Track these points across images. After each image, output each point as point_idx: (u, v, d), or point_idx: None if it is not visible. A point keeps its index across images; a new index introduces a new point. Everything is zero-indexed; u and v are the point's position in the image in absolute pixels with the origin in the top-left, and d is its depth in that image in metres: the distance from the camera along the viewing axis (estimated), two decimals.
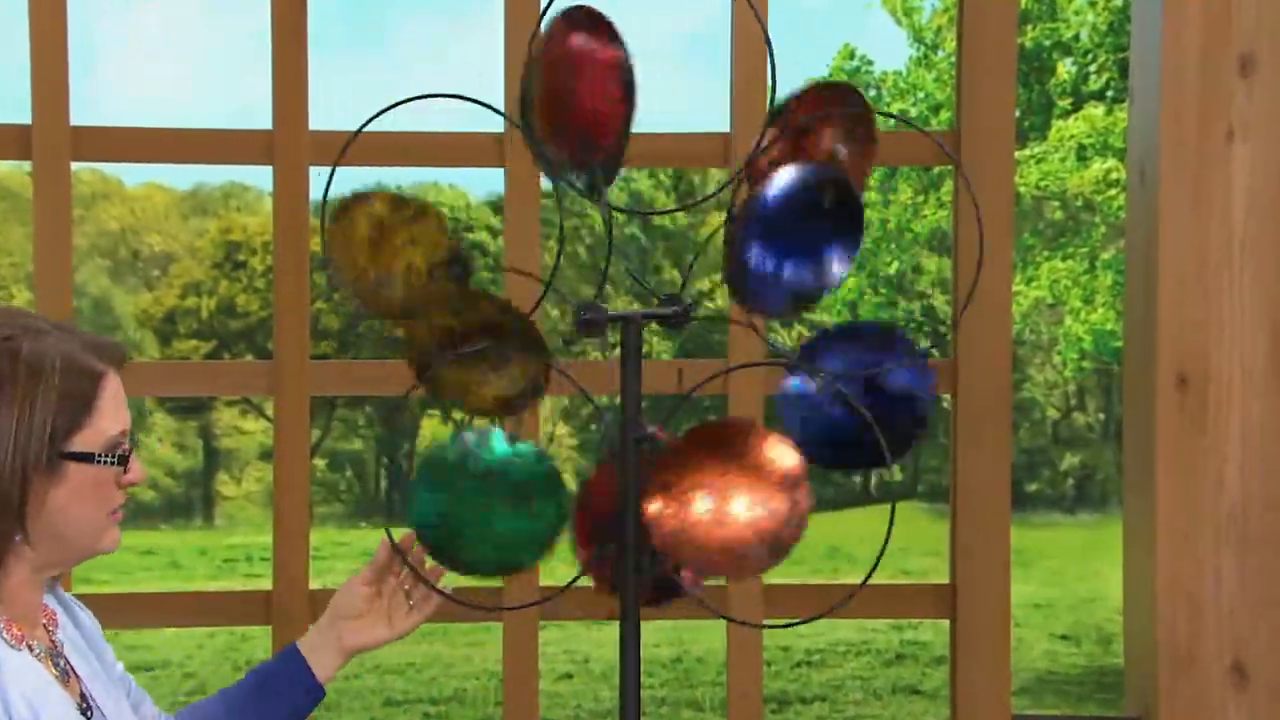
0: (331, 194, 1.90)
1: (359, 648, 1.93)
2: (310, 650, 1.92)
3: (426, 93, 1.83)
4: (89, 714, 1.71)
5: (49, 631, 1.75)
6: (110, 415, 1.69)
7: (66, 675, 1.72)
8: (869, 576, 1.84)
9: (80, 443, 1.67)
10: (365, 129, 1.83)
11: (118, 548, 1.76)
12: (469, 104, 1.85)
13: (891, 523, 1.78)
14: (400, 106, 1.84)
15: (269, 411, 4.85)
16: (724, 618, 2.00)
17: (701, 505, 1.71)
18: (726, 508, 1.71)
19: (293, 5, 2.66)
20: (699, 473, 1.71)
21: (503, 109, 2.69)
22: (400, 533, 1.91)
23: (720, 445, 1.72)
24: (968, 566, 2.71)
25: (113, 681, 1.83)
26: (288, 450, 2.68)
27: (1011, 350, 2.72)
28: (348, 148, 1.83)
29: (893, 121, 2.60)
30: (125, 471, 1.71)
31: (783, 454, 1.71)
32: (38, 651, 1.70)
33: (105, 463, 1.68)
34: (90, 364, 1.69)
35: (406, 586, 1.94)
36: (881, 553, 1.75)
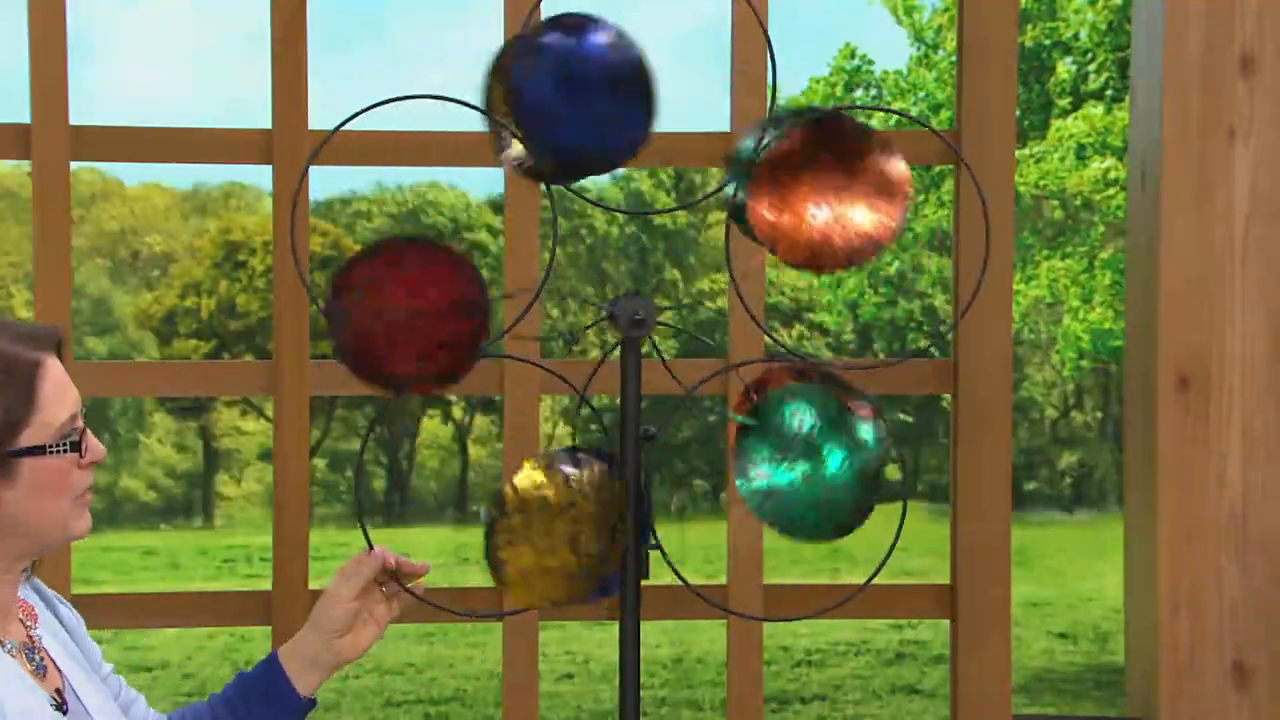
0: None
1: (355, 658, 1.87)
2: (298, 665, 1.85)
3: (414, 94, 1.82)
4: (64, 709, 1.69)
5: (26, 626, 1.74)
6: (55, 403, 1.66)
7: (43, 671, 1.71)
8: (874, 576, 1.84)
9: (29, 437, 1.64)
10: (341, 127, 1.81)
11: (88, 532, 1.73)
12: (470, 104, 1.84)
13: (901, 525, 1.78)
14: (401, 104, 1.83)
15: (269, 411, 4.84)
16: (731, 613, 2.00)
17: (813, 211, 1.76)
18: (842, 210, 1.76)
19: (292, 4, 2.66)
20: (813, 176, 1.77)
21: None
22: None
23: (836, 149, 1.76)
24: (968, 566, 2.70)
25: (99, 679, 1.81)
26: (288, 450, 2.68)
27: (1012, 350, 2.72)
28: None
29: (894, 120, 2.59)
30: (82, 454, 1.69)
31: (894, 165, 1.76)
32: (9, 647, 1.68)
33: (58, 452, 1.66)
34: (24, 356, 1.66)
35: (380, 582, 1.88)
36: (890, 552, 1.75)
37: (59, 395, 1.67)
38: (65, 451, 1.67)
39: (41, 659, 1.72)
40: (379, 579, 1.87)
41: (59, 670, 1.74)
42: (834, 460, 1.79)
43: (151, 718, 1.92)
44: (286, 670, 1.85)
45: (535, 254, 2.69)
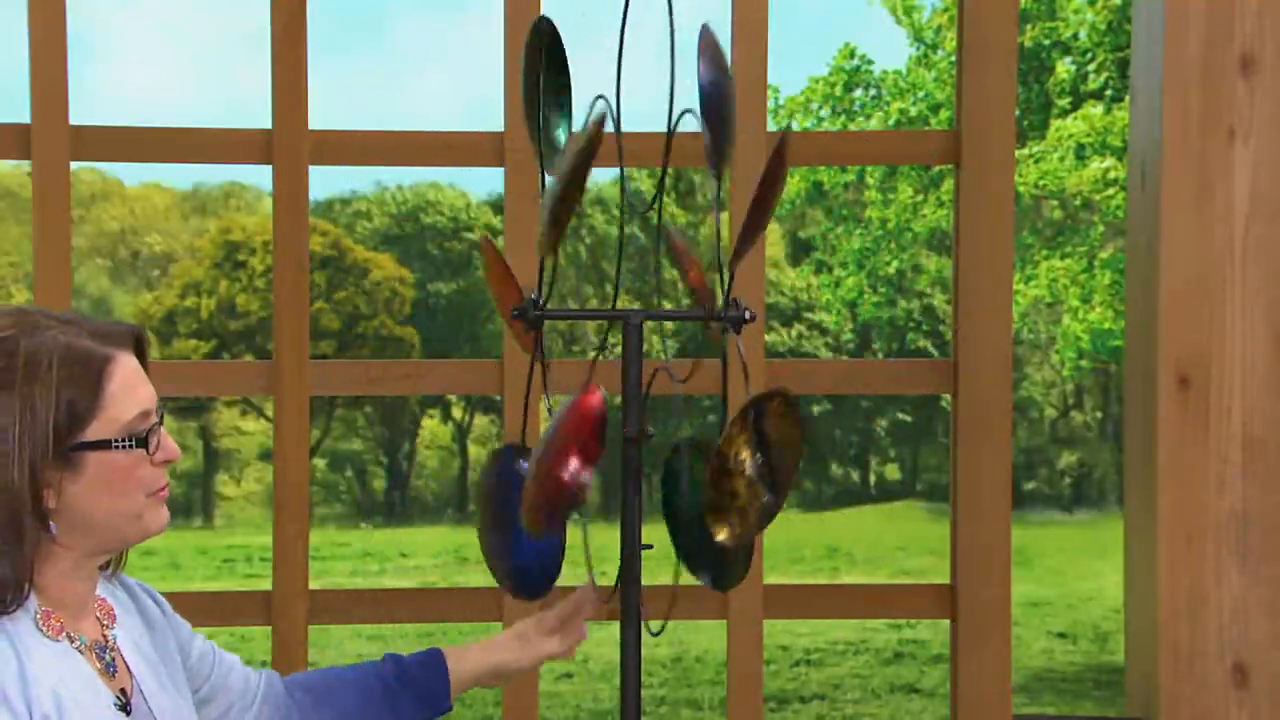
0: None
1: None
2: (461, 684, 1.99)
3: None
4: (128, 709, 1.70)
5: (102, 625, 1.74)
6: (123, 399, 1.67)
7: (113, 670, 1.71)
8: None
9: (94, 431, 1.65)
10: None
11: (165, 528, 1.74)
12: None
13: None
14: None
15: (269, 411, 4.85)
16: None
17: None
18: None
19: (292, 4, 2.66)
20: None
21: (502, 104, 2.68)
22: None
23: None
24: (968, 566, 2.71)
25: (176, 679, 1.81)
26: (288, 450, 2.68)
27: (1012, 350, 2.72)
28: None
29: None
30: (152, 451, 1.69)
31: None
32: (79, 644, 1.69)
33: (123, 447, 1.67)
34: (93, 351, 1.67)
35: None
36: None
37: (128, 392, 1.68)
38: (131, 448, 1.67)
39: (113, 659, 1.72)
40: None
41: (130, 672, 1.74)
42: None
43: (263, 678, 1.97)
44: (452, 684, 1.98)
45: (535, 254, 2.69)
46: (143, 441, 1.68)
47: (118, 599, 1.80)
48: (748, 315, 1.80)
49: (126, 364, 1.70)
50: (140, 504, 1.70)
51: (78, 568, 1.70)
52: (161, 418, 1.73)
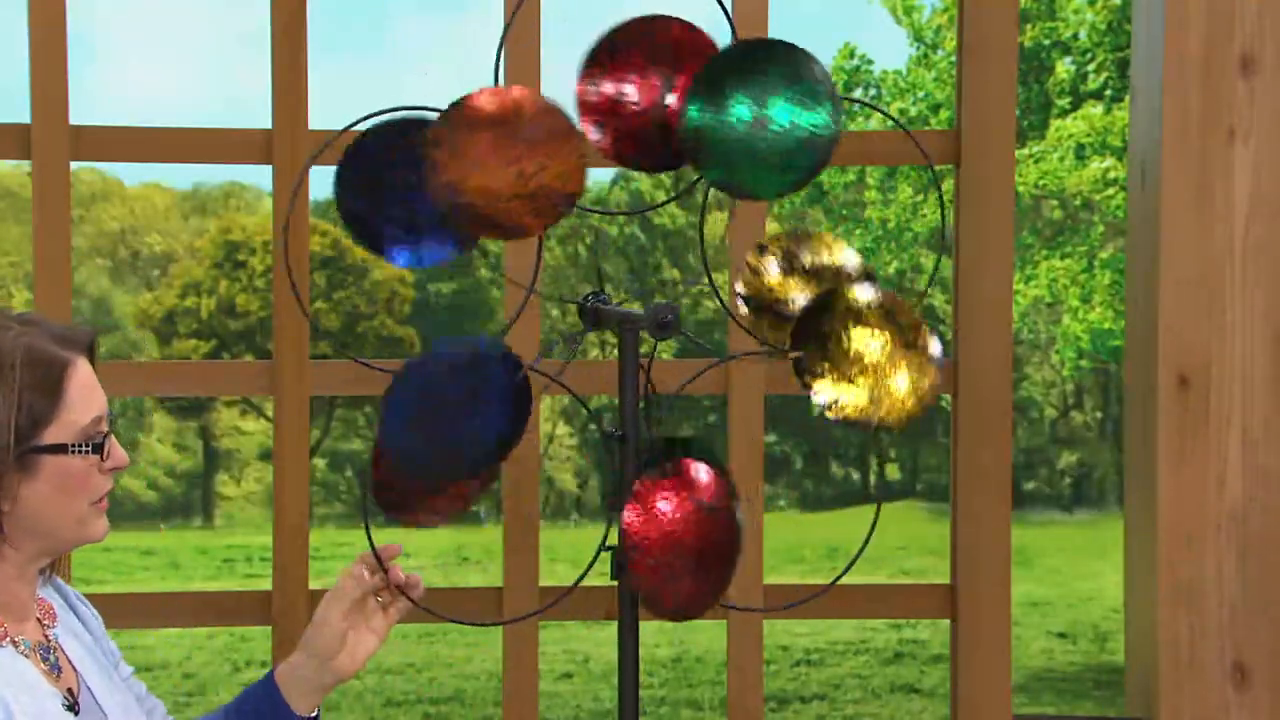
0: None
1: (355, 672, 1.85)
2: (296, 689, 1.82)
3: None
4: (76, 710, 1.70)
5: (43, 626, 1.75)
6: (81, 404, 1.68)
7: (57, 671, 1.72)
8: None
9: (51, 435, 1.65)
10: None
11: (106, 537, 1.74)
12: None
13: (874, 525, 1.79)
14: (402, 106, 1.83)
15: (269, 411, 4.84)
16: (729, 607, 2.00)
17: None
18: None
19: (292, 4, 2.66)
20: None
21: None
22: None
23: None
24: (968, 566, 2.70)
25: (120, 680, 1.82)
26: (288, 450, 2.68)
27: (1012, 350, 2.72)
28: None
29: (890, 121, 2.60)
30: (104, 458, 1.70)
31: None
32: (23, 647, 1.69)
33: (80, 452, 1.67)
34: (54, 354, 1.67)
35: (378, 591, 1.87)
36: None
37: (85, 397, 1.68)
38: (87, 453, 1.68)
39: (57, 659, 1.73)
40: (377, 590, 1.86)
41: (75, 670, 1.74)
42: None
43: None
44: (284, 694, 1.82)
45: (534, 252, 2.69)
46: (98, 447, 1.69)
47: (53, 598, 1.80)
48: (669, 319, 1.83)
49: (83, 369, 1.70)
50: (84, 510, 1.70)
51: (23, 572, 1.71)
52: (113, 424, 1.73)
